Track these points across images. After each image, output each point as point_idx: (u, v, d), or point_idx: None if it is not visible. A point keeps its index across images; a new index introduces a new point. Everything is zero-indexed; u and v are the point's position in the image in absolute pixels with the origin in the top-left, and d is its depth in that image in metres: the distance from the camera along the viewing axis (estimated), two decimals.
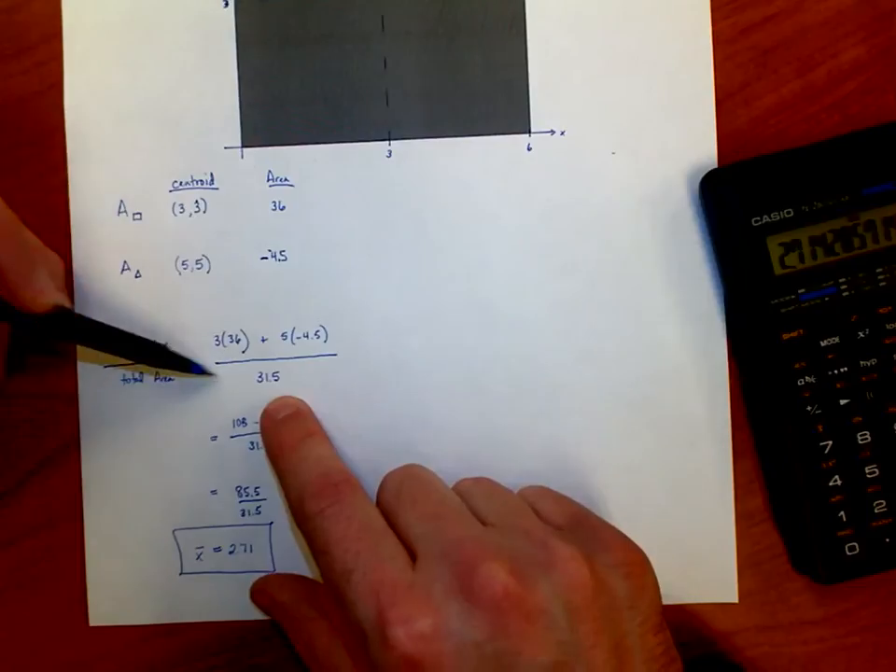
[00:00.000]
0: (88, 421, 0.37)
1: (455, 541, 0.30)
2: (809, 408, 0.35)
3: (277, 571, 0.37)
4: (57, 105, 0.37)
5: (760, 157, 0.35)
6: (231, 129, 0.37)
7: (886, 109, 0.36)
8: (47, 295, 0.32)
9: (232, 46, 0.37)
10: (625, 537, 0.32)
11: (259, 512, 0.37)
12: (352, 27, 0.36)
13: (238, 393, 0.37)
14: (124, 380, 0.37)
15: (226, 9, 0.36)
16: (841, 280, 0.35)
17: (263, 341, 0.37)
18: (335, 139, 0.37)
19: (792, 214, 0.35)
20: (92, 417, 0.37)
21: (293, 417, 0.35)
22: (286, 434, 0.35)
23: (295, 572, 0.37)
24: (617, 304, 0.37)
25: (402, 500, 0.32)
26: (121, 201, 0.37)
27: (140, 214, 0.37)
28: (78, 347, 0.37)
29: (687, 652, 0.37)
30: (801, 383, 0.35)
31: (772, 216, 0.35)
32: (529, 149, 0.37)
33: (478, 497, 0.33)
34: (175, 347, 0.36)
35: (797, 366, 0.35)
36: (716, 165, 0.36)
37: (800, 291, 0.35)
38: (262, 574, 0.36)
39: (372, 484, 0.36)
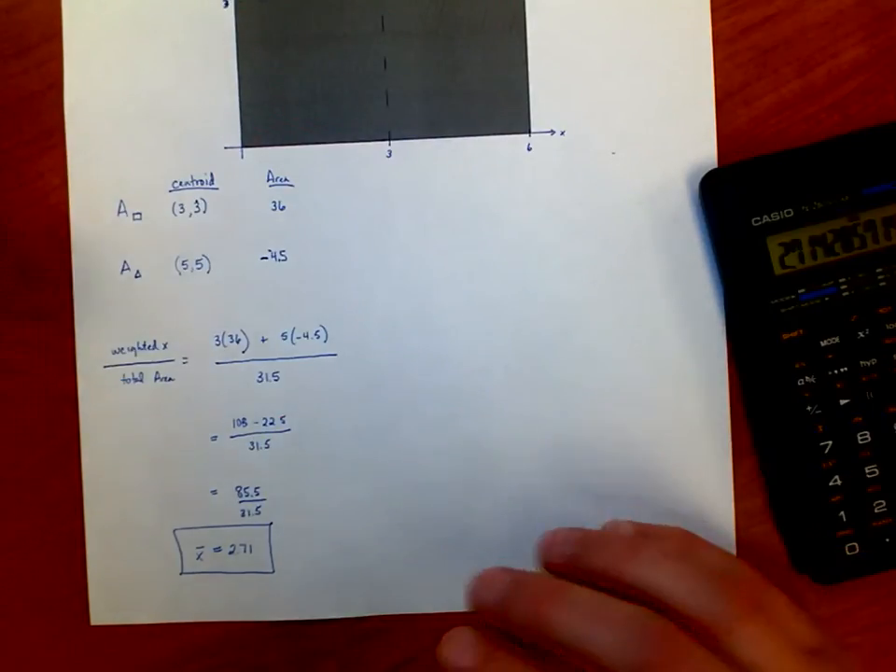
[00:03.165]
0: (88, 421, 0.37)
1: None
2: (809, 408, 0.35)
3: (276, 572, 0.37)
4: (57, 105, 0.37)
5: (760, 157, 0.35)
6: (231, 129, 0.37)
7: (886, 109, 0.36)
8: None
9: (232, 46, 0.37)
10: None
11: (259, 513, 0.37)
12: (352, 27, 0.36)
13: (238, 393, 0.37)
14: (124, 380, 0.37)
15: (226, 9, 0.36)
16: (841, 280, 0.35)
17: (263, 341, 0.37)
18: (335, 139, 0.37)
19: (792, 214, 0.35)
20: (92, 417, 0.37)
21: (521, 582, 0.30)
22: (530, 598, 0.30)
23: (293, 573, 0.37)
24: (617, 304, 0.37)
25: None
26: (121, 201, 0.37)
27: (140, 214, 0.37)
28: (78, 346, 0.37)
29: None
30: (801, 383, 0.35)
31: (772, 216, 0.35)
32: (529, 149, 0.37)
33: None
34: (175, 345, 0.37)
35: (797, 366, 0.35)
36: (716, 165, 0.36)
37: (800, 291, 0.35)
38: (261, 574, 0.37)
39: (372, 483, 0.36)
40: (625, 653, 0.27)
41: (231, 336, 0.37)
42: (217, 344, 0.37)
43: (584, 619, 0.28)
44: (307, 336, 0.37)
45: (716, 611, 0.28)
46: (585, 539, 0.32)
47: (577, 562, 0.31)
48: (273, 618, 0.37)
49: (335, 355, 0.37)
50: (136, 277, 0.37)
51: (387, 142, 0.37)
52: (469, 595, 0.31)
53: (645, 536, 0.33)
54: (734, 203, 0.35)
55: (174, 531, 0.37)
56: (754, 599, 0.29)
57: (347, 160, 0.37)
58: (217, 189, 0.37)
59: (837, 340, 0.35)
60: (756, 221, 0.35)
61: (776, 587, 0.32)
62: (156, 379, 0.37)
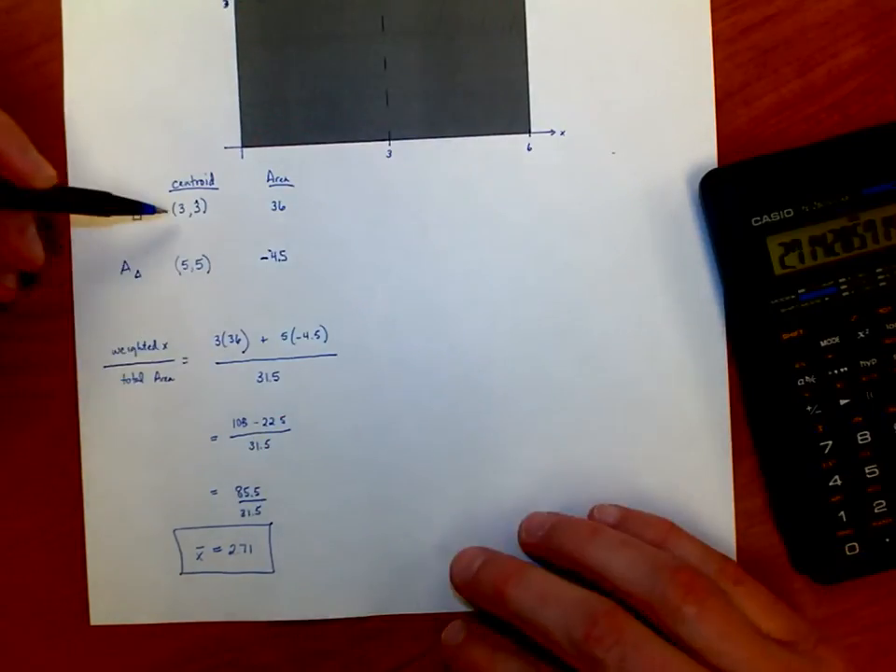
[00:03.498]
0: (88, 421, 0.37)
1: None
2: (809, 408, 0.35)
3: (276, 572, 0.37)
4: (57, 105, 0.37)
5: (760, 157, 0.35)
6: (231, 129, 0.37)
7: (886, 109, 0.36)
8: (45, 169, 0.32)
9: (232, 46, 0.37)
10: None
11: (259, 513, 0.37)
12: (352, 27, 0.36)
13: (238, 393, 0.37)
14: (124, 380, 0.37)
15: (226, 9, 0.36)
16: (841, 280, 0.35)
17: (263, 341, 0.37)
18: (335, 139, 0.37)
19: (792, 214, 0.35)
20: (92, 417, 0.37)
21: (490, 561, 0.34)
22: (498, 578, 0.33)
23: (293, 573, 0.37)
24: (617, 304, 0.37)
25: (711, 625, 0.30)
26: None
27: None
28: (78, 346, 0.37)
29: None
30: (801, 383, 0.35)
31: (772, 216, 0.35)
32: (529, 149, 0.37)
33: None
34: (175, 345, 0.37)
35: (797, 366, 0.35)
36: (716, 165, 0.36)
37: (800, 291, 0.35)
38: (261, 574, 0.37)
39: (372, 483, 0.36)
40: (570, 628, 0.30)
41: (230, 336, 0.37)
42: (217, 344, 0.37)
43: (536, 597, 0.31)
44: (307, 336, 0.37)
45: (665, 595, 0.30)
46: (557, 523, 0.35)
47: (547, 543, 0.34)
48: (272, 618, 0.37)
49: (335, 355, 0.37)
50: (136, 277, 0.37)
51: (387, 142, 0.37)
52: (450, 569, 0.36)
53: (627, 520, 0.35)
54: (734, 203, 0.35)
55: (173, 531, 0.37)
56: (707, 585, 0.31)
57: (347, 160, 0.37)
58: (217, 188, 0.37)
59: (837, 340, 0.35)
60: (756, 221, 0.35)
61: (753, 579, 0.33)
62: (156, 379, 0.37)
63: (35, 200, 0.33)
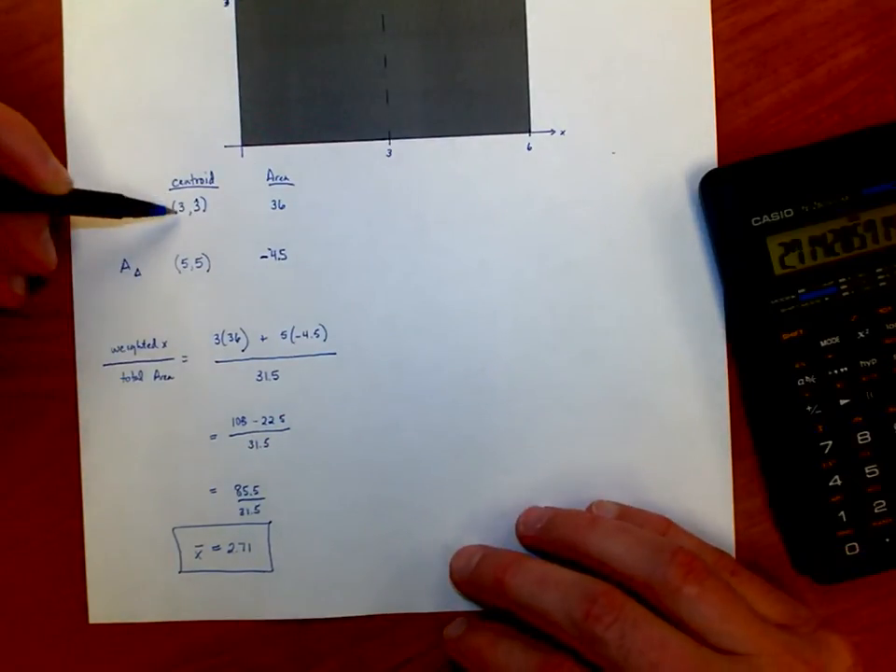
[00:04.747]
0: (87, 419, 0.37)
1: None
2: (809, 408, 0.35)
3: (275, 571, 0.37)
4: (57, 105, 0.37)
5: (760, 157, 0.35)
6: (231, 127, 0.37)
7: (886, 109, 0.37)
8: (63, 175, 0.33)
9: (233, 45, 0.37)
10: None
11: (258, 511, 0.37)
12: (352, 26, 0.37)
13: (237, 391, 0.37)
14: (124, 378, 0.37)
15: (226, 8, 0.36)
16: (841, 280, 0.35)
17: (263, 339, 0.37)
18: (335, 138, 0.37)
19: (792, 214, 0.35)
20: (92, 416, 0.37)
21: (488, 555, 0.35)
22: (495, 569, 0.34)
23: (292, 572, 0.37)
24: (617, 304, 0.37)
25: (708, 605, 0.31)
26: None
27: None
28: (78, 344, 0.37)
29: None
30: (801, 383, 0.35)
31: (772, 216, 0.35)
32: (529, 149, 0.37)
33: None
34: (174, 344, 0.37)
35: (797, 366, 0.35)
36: (716, 165, 0.36)
37: (800, 291, 0.35)
38: (260, 573, 0.37)
39: (371, 482, 0.36)
40: (570, 608, 0.31)
41: (230, 335, 0.37)
42: (217, 343, 0.37)
43: (535, 582, 0.32)
44: (307, 335, 0.37)
45: (666, 576, 0.30)
46: (555, 515, 0.35)
47: (545, 535, 0.35)
48: (271, 617, 0.37)
49: (335, 354, 0.37)
50: (136, 276, 0.37)
51: (387, 141, 0.37)
52: (449, 567, 0.36)
53: (625, 518, 0.35)
54: (734, 203, 0.35)
55: (173, 530, 0.37)
56: (706, 568, 0.31)
57: (347, 159, 0.37)
58: (216, 187, 0.37)
59: (837, 340, 0.35)
60: (756, 221, 0.35)
61: (748, 570, 0.34)
62: (155, 377, 0.37)
63: (51, 203, 0.33)
